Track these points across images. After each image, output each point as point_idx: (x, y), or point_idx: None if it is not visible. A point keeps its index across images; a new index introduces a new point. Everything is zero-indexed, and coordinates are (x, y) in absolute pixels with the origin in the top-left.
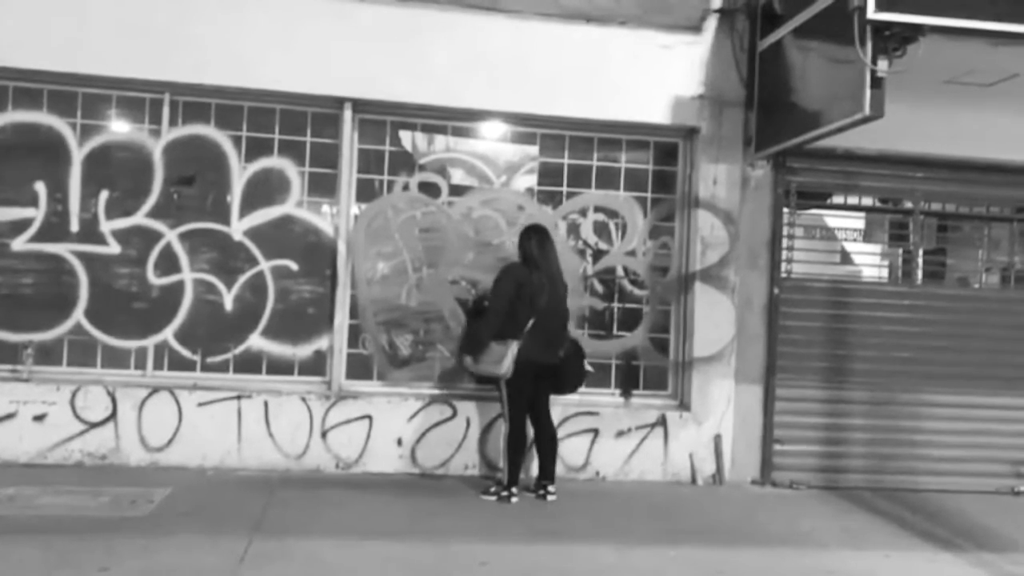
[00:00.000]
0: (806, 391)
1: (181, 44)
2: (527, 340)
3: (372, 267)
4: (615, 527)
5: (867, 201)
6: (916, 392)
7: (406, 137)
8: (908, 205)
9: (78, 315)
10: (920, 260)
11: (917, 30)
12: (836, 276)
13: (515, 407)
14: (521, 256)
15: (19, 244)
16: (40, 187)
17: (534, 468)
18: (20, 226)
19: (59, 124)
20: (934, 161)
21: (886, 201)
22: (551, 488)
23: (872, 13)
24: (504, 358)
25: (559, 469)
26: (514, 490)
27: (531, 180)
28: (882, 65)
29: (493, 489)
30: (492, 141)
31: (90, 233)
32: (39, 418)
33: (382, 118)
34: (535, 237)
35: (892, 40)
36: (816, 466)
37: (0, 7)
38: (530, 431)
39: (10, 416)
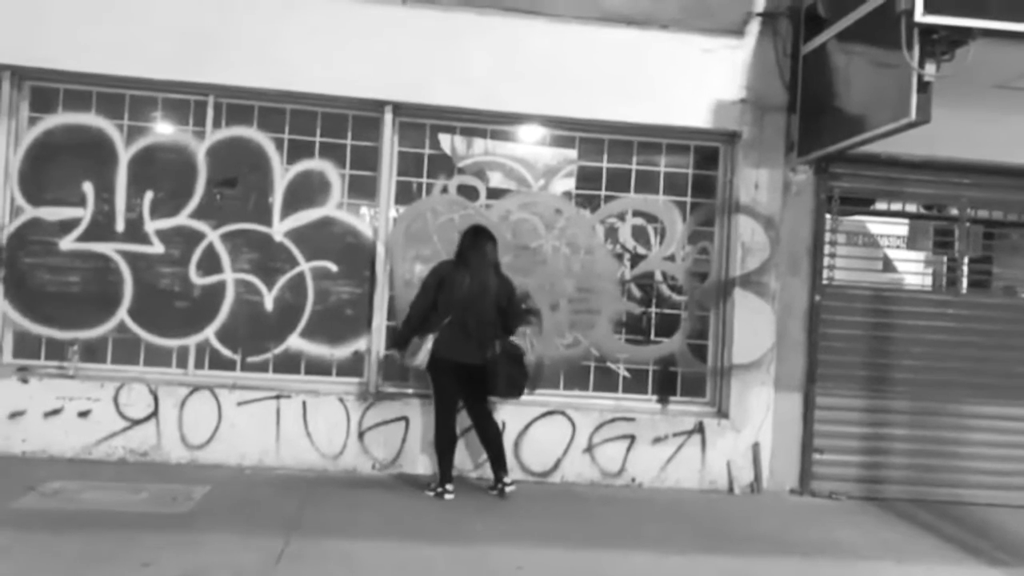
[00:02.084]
0: (847, 400)
1: (225, 48)
2: (443, 336)
3: (410, 269)
4: (651, 534)
5: (911, 207)
6: (959, 403)
7: (445, 140)
8: (954, 212)
9: (122, 314)
10: (965, 268)
11: (966, 33)
12: (878, 283)
13: (439, 406)
14: (456, 253)
15: (67, 243)
16: (88, 187)
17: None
18: (68, 226)
19: (107, 126)
20: (982, 167)
21: (930, 208)
22: (507, 480)
23: (920, 16)
24: (419, 351)
25: (594, 474)
26: (448, 487)
27: (569, 184)
28: (929, 69)
29: (433, 485)
30: (530, 144)
31: (135, 233)
32: (84, 414)
33: (422, 121)
34: (469, 236)
35: (940, 44)
36: (856, 476)
37: (50, 12)
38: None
39: (56, 412)
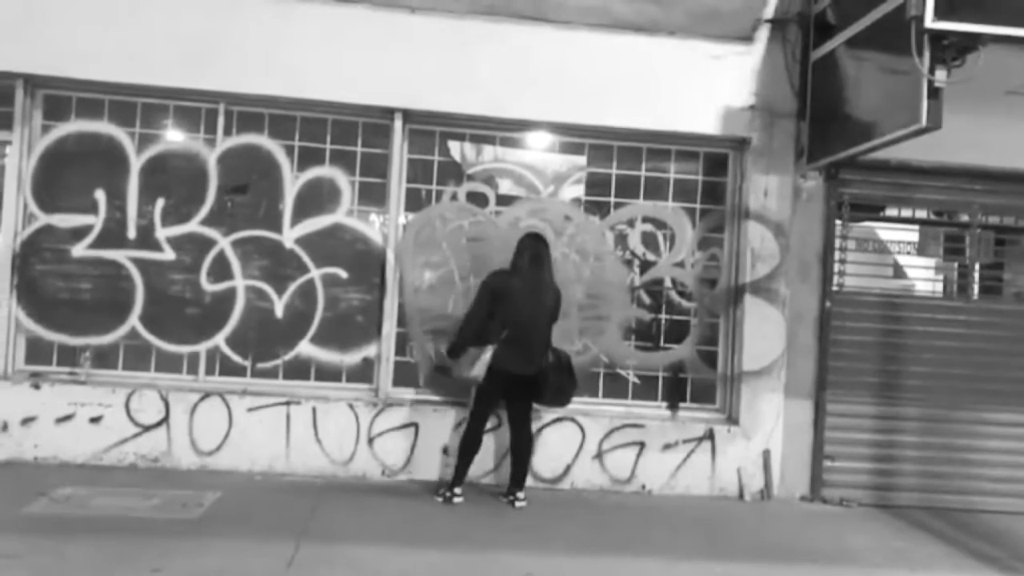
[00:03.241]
0: (857, 407)
1: (235, 56)
2: (501, 348)
3: (420, 276)
4: (661, 541)
5: (921, 214)
6: (971, 409)
7: (455, 147)
8: (964, 218)
9: (133, 320)
10: (976, 274)
11: (977, 39)
12: (889, 290)
13: (478, 411)
14: (511, 262)
15: (79, 250)
16: (100, 195)
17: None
18: (80, 233)
19: (119, 133)
20: (993, 173)
21: (941, 214)
22: (520, 495)
23: (930, 22)
24: (477, 362)
25: (604, 480)
26: (457, 491)
27: (579, 190)
28: (940, 75)
29: (441, 490)
30: (540, 151)
31: (146, 240)
32: (95, 420)
33: (431, 128)
34: (528, 247)
35: (950, 50)
36: (867, 483)
37: (63, 21)
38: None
39: (68, 418)
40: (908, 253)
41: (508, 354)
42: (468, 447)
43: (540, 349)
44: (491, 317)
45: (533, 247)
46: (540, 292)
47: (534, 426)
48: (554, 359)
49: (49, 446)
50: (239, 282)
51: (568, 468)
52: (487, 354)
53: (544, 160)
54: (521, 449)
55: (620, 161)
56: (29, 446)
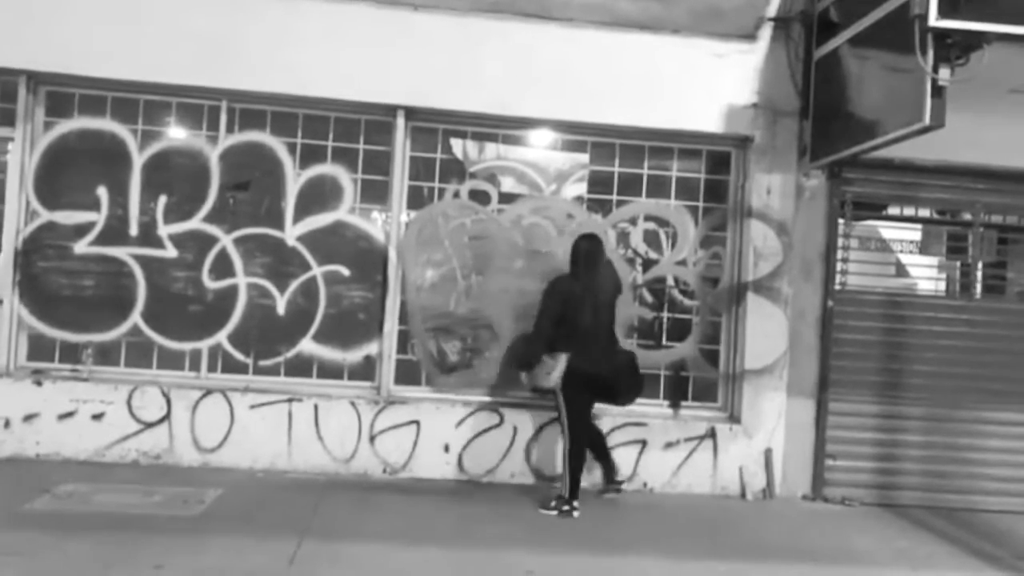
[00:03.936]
0: (860, 406)
1: (238, 52)
2: (575, 352)
3: (422, 274)
4: (663, 540)
5: (924, 212)
6: (973, 409)
7: (457, 145)
8: (967, 217)
9: (135, 317)
10: (979, 273)
11: (980, 38)
12: (891, 289)
13: (573, 419)
14: (569, 267)
15: (81, 247)
16: (102, 192)
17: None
18: (83, 230)
19: (121, 130)
20: (996, 172)
21: (944, 213)
22: (619, 479)
23: (934, 20)
24: (554, 370)
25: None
26: (575, 504)
27: (581, 188)
28: (944, 74)
29: (554, 504)
30: (542, 149)
31: (148, 237)
32: (97, 417)
33: (434, 126)
34: (583, 248)
35: (954, 48)
36: (869, 482)
37: (66, 17)
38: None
39: (70, 414)
40: (911, 252)
41: (583, 356)
42: (577, 458)
43: (610, 347)
44: (558, 324)
45: (587, 249)
46: (601, 292)
47: (534, 425)
48: (624, 358)
49: (51, 443)
50: (241, 279)
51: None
52: (561, 361)
53: (547, 158)
54: (598, 444)
55: (623, 159)
56: (31, 443)
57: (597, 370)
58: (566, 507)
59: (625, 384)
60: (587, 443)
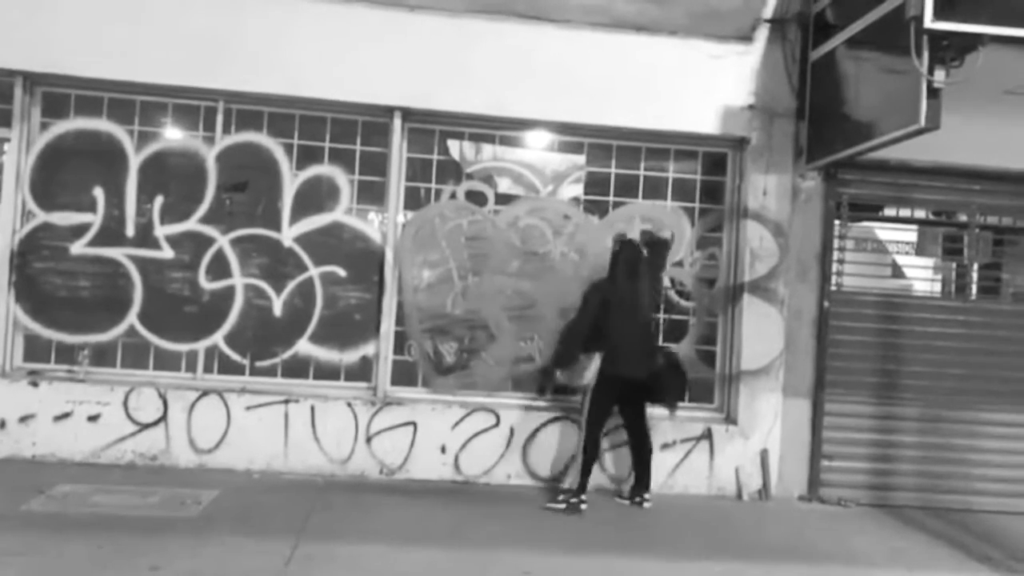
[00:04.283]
0: (856, 406)
1: (235, 53)
2: (611, 353)
3: (418, 274)
4: (660, 540)
5: (920, 214)
6: (969, 409)
7: (454, 146)
8: (963, 218)
9: (132, 318)
10: (975, 274)
11: (976, 39)
12: (887, 290)
13: (592, 417)
14: (608, 272)
15: (77, 248)
16: (98, 192)
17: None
18: (79, 230)
19: (117, 131)
20: (991, 173)
21: (940, 214)
22: (647, 496)
23: (929, 22)
24: (587, 370)
25: (603, 480)
26: (583, 497)
27: (578, 189)
28: (939, 75)
29: (561, 497)
30: (539, 150)
31: (145, 238)
32: (93, 418)
33: (431, 127)
34: (623, 255)
35: (950, 50)
36: (865, 483)
37: (62, 18)
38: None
39: (66, 415)
40: (906, 253)
41: (617, 358)
42: (590, 454)
43: (647, 352)
44: (594, 326)
45: (627, 254)
46: (639, 297)
47: (530, 426)
48: (664, 360)
49: (47, 444)
50: (238, 280)
51: (566, 467)
52: (595, 362)
53: (543, 159)
54: (641, 451)
55: (619, 160)
56: (27, 444)
57: (630, 374)
58: (574, 499)
59: (667, 384)
60: (600, 444)
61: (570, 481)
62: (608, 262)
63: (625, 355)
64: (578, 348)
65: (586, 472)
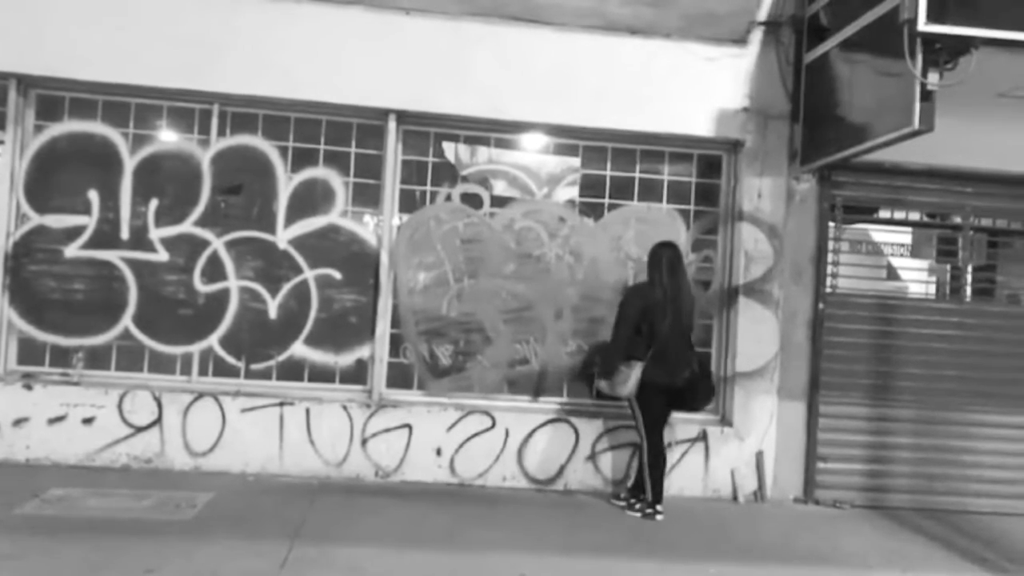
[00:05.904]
0: (851, 408)
1: (230, 56)
2: (653, 361)
3: (414, 277)
4: (655, 542)
5: (914, 216)
6: (964, 411)
7: (449, 149)
8: (957, 220)
9: (126, 321)
10: (969, 277)
11: (969, 42)
12: (882, 292)
13: (649, 426)
14: (648, 276)
15: (72, 251)
16: (93, 195)
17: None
18: (73, 233)
19: (112, 134)
20: (985, 176)
21: (934, 216)
22: (658, 507)
23: (923, 25)
24: (629, 379)
25: (597, 482)
26: (659, 507)
27: (573, 192)
28: (932, 78)
29: (638, 506)
30: (534, 153)
31: (140, 240)
32: (88, 421)
33: (426, 130)
34: (665, 257)
35: (943, 53)
36: (861, 485)
37: (56, 21)
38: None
39: (60, 419)
40: (901, 255)
41: (659, 366)
42: (656, 462)
43: (686, 358)
44: (637, 333)
45: (669, 257)
46: (680, 302)
47: (526, 428)
48: (699, 367)
49: (41, 447)
50: (232, 283)
51: (561, 469)
52: (636, 370)
53: (538, 162)
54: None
55: (614, 163)
56: (21, 447)
57: (672, 380)
58: (649, 510)
59: (701, 390)
60: (664, 449)
61: (632, 483)
62: (647, 266)
63: (670, 361)
64: (621, 357)
65: (657, 481)
